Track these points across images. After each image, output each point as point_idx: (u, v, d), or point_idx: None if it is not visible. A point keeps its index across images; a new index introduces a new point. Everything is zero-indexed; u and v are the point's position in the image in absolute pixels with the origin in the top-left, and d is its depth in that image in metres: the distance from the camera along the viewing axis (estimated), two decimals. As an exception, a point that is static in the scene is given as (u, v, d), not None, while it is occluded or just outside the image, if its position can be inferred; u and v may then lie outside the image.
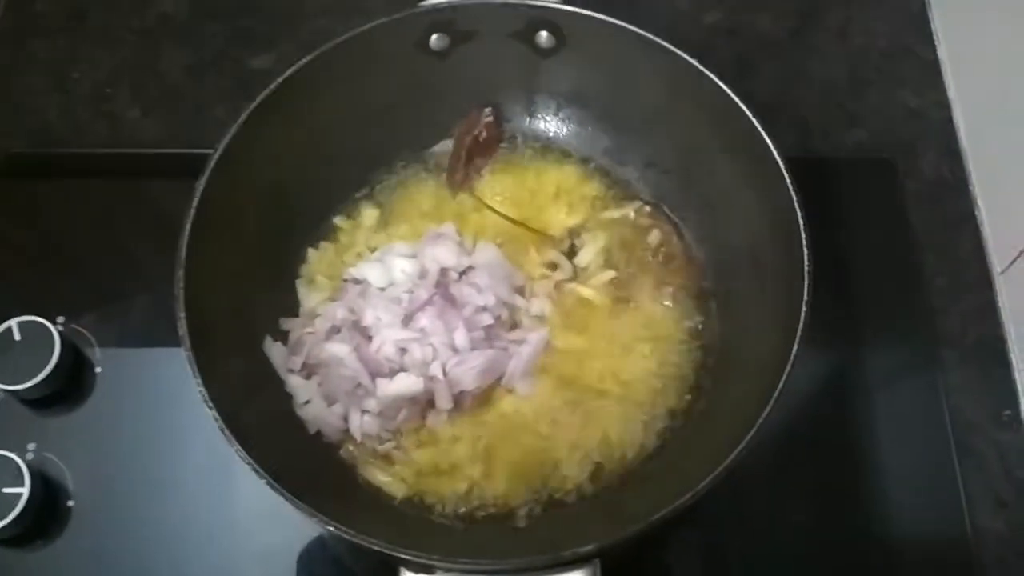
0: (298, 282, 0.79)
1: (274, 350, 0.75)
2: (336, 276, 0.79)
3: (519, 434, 0.74)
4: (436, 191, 0.84)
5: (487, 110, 0.83)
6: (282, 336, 0.76)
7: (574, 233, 0.81)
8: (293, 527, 0.76)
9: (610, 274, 0.79)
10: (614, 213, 0.82)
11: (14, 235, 0.89)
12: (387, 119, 0.81)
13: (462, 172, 0.83)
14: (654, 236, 0.81)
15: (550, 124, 0.85)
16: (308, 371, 0.75)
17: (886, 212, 0.90)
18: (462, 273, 0.76)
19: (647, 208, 0.83)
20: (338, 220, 0.81)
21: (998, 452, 0.80)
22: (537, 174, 0.84)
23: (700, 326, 0.78)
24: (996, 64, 0.89)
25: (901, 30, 0.99)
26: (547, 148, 0.85)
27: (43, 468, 0.77)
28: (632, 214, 0.82)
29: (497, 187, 0.84)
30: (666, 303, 0.79)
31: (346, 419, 0.73)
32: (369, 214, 0.82)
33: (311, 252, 0.80)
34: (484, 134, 0.83)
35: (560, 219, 0.82)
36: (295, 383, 0.74)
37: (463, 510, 0.72)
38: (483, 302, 0.74)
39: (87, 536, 0.76)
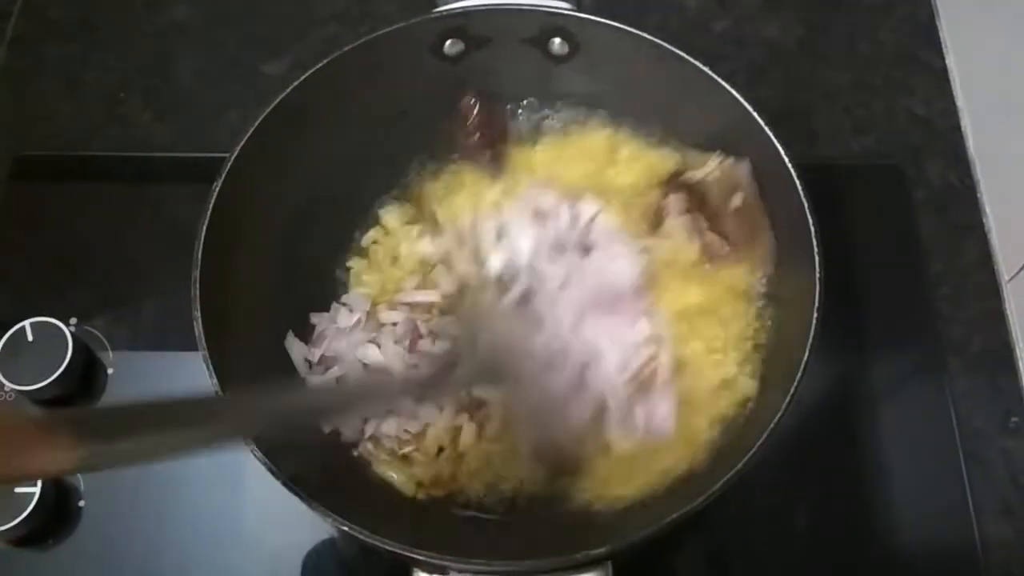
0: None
1: (295, 346, 0.75)
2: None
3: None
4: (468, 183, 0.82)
5: (470, 99, 0.81)
6: (302, 334, 0.76)
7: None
8: (303, 528, 0.77)
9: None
10: (696, 173, 0.75)
11: (28, 237, 0.90)
12: (401, 123, 0.81)
13: (488, 156, 0.82)
14: (737, 198, 0.74)
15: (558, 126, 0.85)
16: (325, 364, 0.75)
17: (893, 219, 0.91)
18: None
19: (729, 162, 0.75)
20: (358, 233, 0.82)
21: (1006, 459, 0.81)
22: (580, 141, 0.82)
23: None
24: (1004, 73, 0.90)
25: (909, 38, 1.00)
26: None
27: (54, 469, 0.78)
28: (717, 171, 0.75)
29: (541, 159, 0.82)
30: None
31: (365, 418, 0.73)
32: (393, 216, 0.82)
33: (357, 261, 0.80)
34: (476, 119, 0.81)
35: (624, 180, 0.79)
36: (314, 382, 0.74)
37: (476, 513, 0.72)
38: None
39: (97, 536, 0.77)
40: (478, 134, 0.82)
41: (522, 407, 0.71)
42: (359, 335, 0.75)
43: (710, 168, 0.76)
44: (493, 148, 0.82)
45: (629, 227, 0.76)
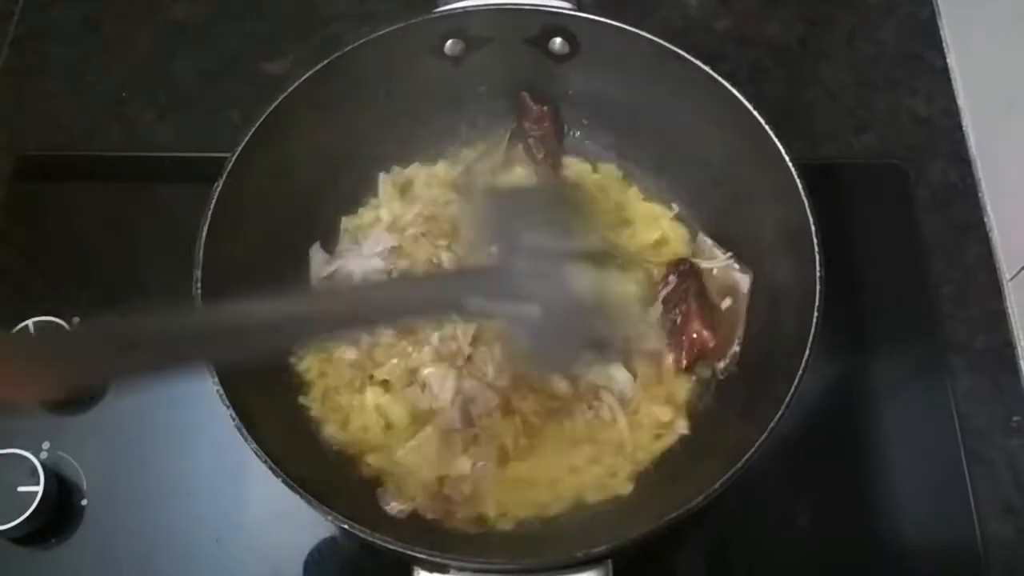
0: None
1: (317, 255, 0.77)
2: None
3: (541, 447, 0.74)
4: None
5: (527, 99, 0.82)
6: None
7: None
8: (304, 527, 0.77)
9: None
10: (701, 263, 0.79)
11: (30, 236, 0.90)
12: (402, 123, 0.81)
13: (543, 155, 0.82)
14: (727, 300, 0.77)
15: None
16: (336, 279, 0.76)
17: (895, 218, 0.91)
18: None
19: (734, 267, 0.78)
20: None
21: (1007, 459, 0.81)
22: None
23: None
24: (1005, 72, 0.89)
25: (911, 38, 1.00)
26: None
27: (57, 467, 0.78)
28: (715, 270, 0.79)
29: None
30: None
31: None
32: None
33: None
34: (534, 114, 0.82)
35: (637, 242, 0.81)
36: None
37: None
38: None
39: (99, 535, 0.77)
40: (534, 127, 0.82)
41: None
42: (378, 263, 0.76)
43: (715, 264, 0.78)
44: (547, 148, 0.83)
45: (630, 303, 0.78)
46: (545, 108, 0.82)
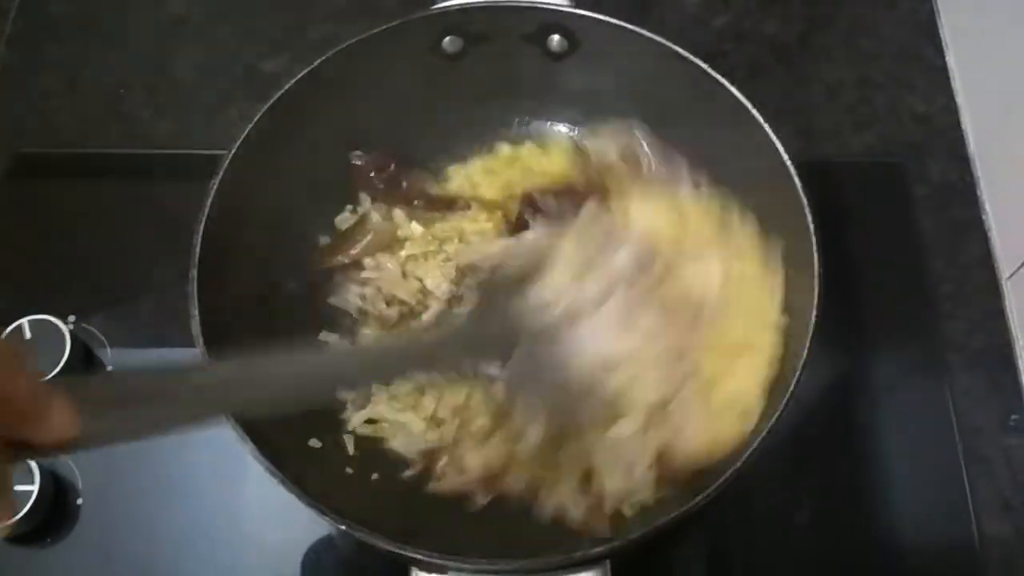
0: None
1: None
2: None
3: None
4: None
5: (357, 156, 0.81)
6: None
7: None
8: (301, 526, 0.76)
9: None
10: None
11: (26, 234, 0.90)
12: (401, 121, 0.81)
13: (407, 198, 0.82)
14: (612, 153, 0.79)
15: (561, 128, 0.85)
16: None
17: (893, 216, 0.90)
18: None
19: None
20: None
21: (1005, 457, 0.80)
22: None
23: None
24: (1005, 70, 0.90)
25: (910, 36, 1.00)
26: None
27: (52, 466, 0.78)
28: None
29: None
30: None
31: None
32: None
33: None
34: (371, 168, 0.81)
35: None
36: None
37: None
38: None
39: (95, 535, 0.77)
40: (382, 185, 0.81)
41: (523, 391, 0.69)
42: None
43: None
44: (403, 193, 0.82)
45: None
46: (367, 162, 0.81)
